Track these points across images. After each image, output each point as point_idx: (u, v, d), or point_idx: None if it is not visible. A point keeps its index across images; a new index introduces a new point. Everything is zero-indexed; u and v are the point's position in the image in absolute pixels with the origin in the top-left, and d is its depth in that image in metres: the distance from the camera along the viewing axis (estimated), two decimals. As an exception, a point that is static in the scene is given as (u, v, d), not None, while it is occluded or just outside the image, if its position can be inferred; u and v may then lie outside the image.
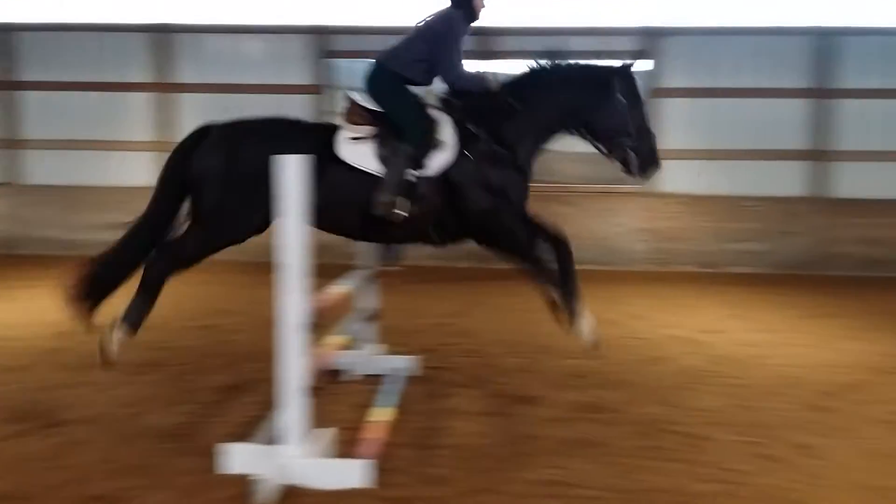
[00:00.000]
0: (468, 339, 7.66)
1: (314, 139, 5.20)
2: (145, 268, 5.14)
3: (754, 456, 4.69)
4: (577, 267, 5.25)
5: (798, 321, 8.82)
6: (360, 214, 5.16)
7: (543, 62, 5.46)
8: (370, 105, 5.32)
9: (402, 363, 6.30)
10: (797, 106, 13.01)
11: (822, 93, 12.88)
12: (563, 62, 5.50)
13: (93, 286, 5.18)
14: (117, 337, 5.07)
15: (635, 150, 5.35)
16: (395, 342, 6.70)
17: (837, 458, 4.68)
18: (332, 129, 5.30)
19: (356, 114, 5.31)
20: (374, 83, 5.37)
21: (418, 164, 5.12)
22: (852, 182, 12.90)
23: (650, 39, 13.00)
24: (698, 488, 4.21)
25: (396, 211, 5.07)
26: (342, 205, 5.13)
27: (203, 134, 5.26)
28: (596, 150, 5.54)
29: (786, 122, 13.04)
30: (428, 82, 5.46)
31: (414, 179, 5.09)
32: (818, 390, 6.07)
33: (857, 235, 12.76)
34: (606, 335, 7.72)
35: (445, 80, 5.37)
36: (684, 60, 13.10)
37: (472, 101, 5.36)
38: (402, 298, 8.95)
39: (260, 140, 5.12)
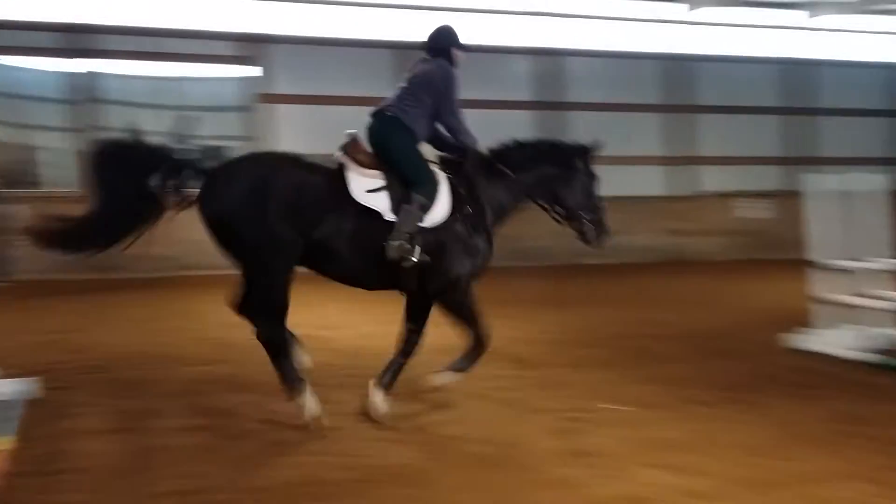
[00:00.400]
0: (88, 354, 7.24)
1: (329, 177, 5.31)
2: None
3: (379, 440, 5.07)
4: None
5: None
6: (367, 255, 5.29)
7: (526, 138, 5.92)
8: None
9: (17, 386, 5.79)
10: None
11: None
12: (542, 139, 6.08)
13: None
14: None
15: (592, 222, 5.82)
16: (8, 364, 6.14)
17: (451, 431, 5.24)
18: (338, 168, 5.38)
19: (361, 153, 5.42)
20: (385, 133, 5.48)
21: (425, 215, 5.32)
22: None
23: (253, 46, 13.19)
24: (332, 476, 4.47)
25: (411, 256, 5.23)
26: (353, 244, 5.27)
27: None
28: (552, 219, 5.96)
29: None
30: (427, 136, 5.63)
31: (422, 228, 5.29)
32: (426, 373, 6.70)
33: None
34: (233, 338, 7.78)
35: (454, 128, 5.59)
36: (290, 68, 13.50)
37: (464, 162, 5.59)
38: (13, 315, 8.21)
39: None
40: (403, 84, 5.64)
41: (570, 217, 5.89)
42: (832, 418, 5.54)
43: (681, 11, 15.35)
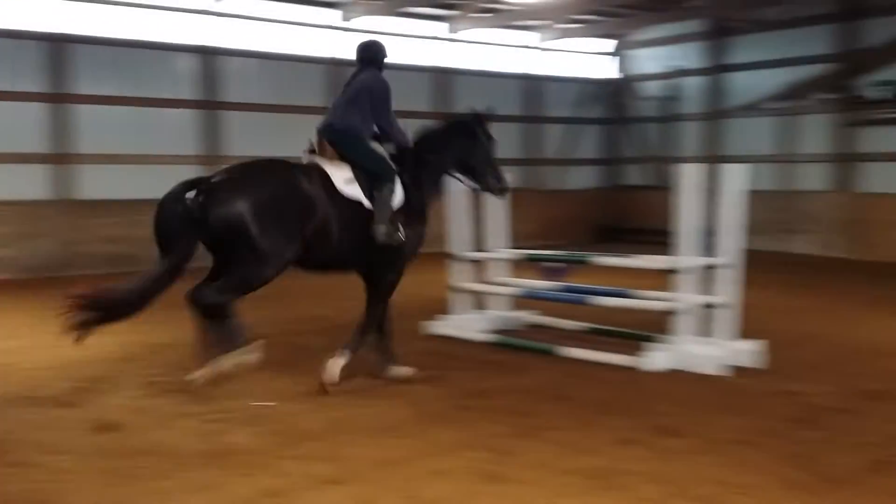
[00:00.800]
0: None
1: (317, 177, 6.14)
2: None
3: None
4: None
5: (46, 324, 8.90)
6: (354, 239, 6.19)
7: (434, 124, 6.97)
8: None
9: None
10: (34, 109, 13.00)
11: (59, 98, 13.09)
12: (442, 122, 7.04)
13: (104, 309, 5.75)
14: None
15: (496, 178, 6.84)
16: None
17: (80, 448, 4.95)
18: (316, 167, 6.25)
19: (327, 151, 6.37)
20: (344, 144, 6.35)
21: (393, 201, 6.30)
22: (93, 184, 13.45)
23: None
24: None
25: (398, 235, 6.23)
26: (344, 231, 6.13)
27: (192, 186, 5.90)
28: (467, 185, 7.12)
29: (21, 125, 12.90)
30: (370, 136, 6.48)
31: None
32: (68, 386, 6.30)
33: (100, 235, 13.35)
34: None
35: (387, 132, 6.49)
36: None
37: (401, 154, 6.53)
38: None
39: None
40: (345, 95, 6.49)
41: (478, 178, 6.87)
42: (458, 395, 6.07)
43: (336, 18, 15.80)
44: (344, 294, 10.93)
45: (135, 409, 5.76)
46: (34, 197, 12.99)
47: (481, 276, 8.61)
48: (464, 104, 16.88)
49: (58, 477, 4.51)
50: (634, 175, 19.90)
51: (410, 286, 11.79)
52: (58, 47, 13.01)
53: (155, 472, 4.56)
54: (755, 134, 17.33)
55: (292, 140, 14.93)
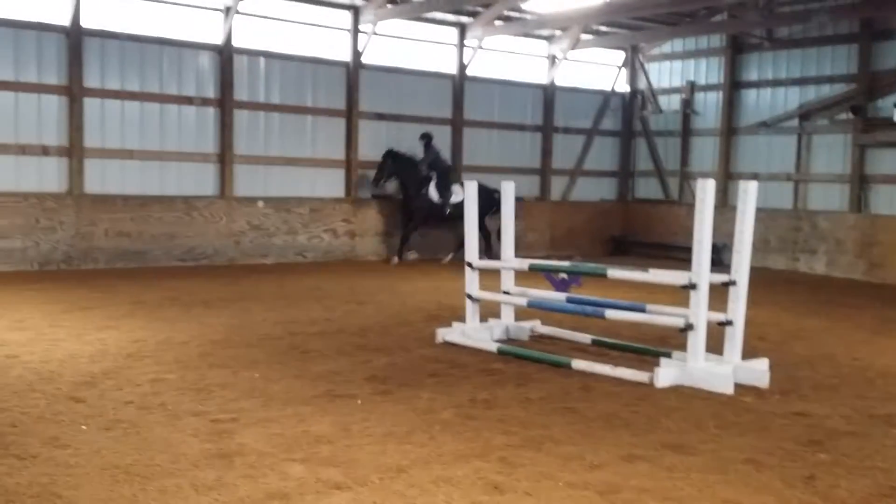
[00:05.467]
0: None
1: None
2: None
3: (4, 456, 4.68)
4: None
5: (57, 316, 8.96)
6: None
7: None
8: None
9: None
10: (53, 102, 13.07)
11: (75, 91, 13.15)
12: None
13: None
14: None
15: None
16: None
17: (87, 444, 4.97)
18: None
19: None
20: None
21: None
22: (106, 178, 13.52)
23: None
24: (-57, 502, 4.09)
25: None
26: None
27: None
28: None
29: (41, 117, 12.98)
30: None
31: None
32: (73, 381, 6.32)
33: (108, 229, 13.41)
34: None
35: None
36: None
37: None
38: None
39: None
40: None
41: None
42: (466, 404, 6.06)
43: (354, 21, 15.84)
44: (347, 298, 11.06)
45: (143, 406, 5.77)
46: (49, 189, 13.06)
47: (498, 285, 8.59)
48: (478, 112, 17.39)
49: (65, 471, 4.52)
50: (647, 188, 19.87)
51: (426, 293, 11.93)
52: (76, 41, 13.08)
53: (162, 470, 4.57)
54: (770, 152, 17.28)
55: (304, 141, 15.25)
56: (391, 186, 15.70)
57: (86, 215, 13.22)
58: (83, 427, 5.26)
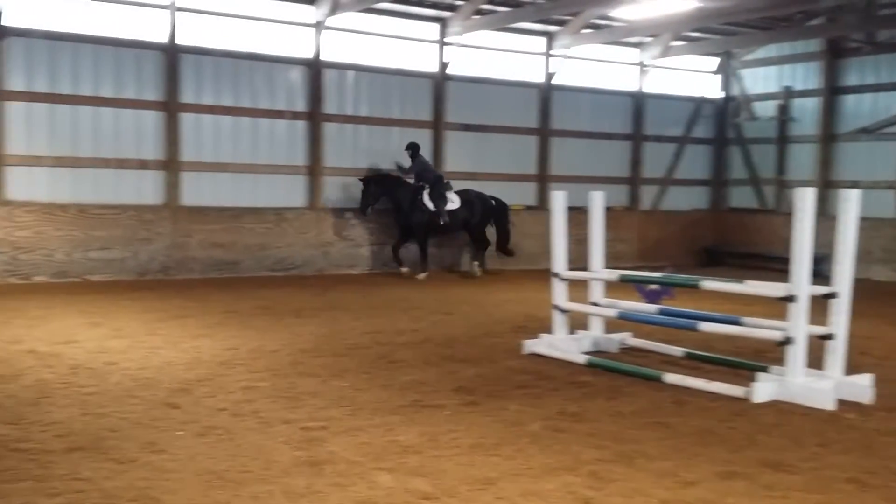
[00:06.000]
0: None
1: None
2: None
3: (104, 461, 4.82)
4: None
5: (154, 324, 9.23)
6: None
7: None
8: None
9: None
10: (151, 117, 13.53)
11: (169, 106, 13.59)
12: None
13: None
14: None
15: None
16: None
17: (183, 449, 5.08)
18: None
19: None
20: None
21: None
22: (200, 191, 13.92)
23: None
24: (47, 503, 4.22)
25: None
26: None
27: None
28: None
29: (139, 132, 13.45)
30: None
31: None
32: (169, 388, 6.49)
33: (202, 240, 13.79)
34: None
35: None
36: (27, 63, 12.58)
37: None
38: None
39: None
40: None
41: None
42: (554, 416, 5.96)
43: (439, 33, 15.93)
44: (433, 308, 11.09)
45: (235, 413, 5.87)
46: (146, 202, 13.51)
47: (585, 296, 8.46)
48: (565, 121, 17.25)
49: (161, 476, 4.63)
50: (742, 197, 19.34)
51: (512, 304, 11.88)
52: (173, 58, 13.51)
53: (255, 476, 4.63)
54: (871, 159, 16.62)
55: (391, 153, 15.36)
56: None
57: (181, 226, 13.63)
58: (179, 433, 5.37)
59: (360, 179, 14.63)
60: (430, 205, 14.53)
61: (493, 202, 15.32)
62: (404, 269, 14.57)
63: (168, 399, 6.18)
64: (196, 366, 7.29)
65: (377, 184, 14.54)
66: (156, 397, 6.23)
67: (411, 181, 14.69)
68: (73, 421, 5.57)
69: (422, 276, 14.41)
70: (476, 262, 15.27)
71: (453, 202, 14.71)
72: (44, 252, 12.62)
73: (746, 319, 7.28)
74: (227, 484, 4.51)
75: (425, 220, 14.54)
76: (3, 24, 12.25)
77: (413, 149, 14.72)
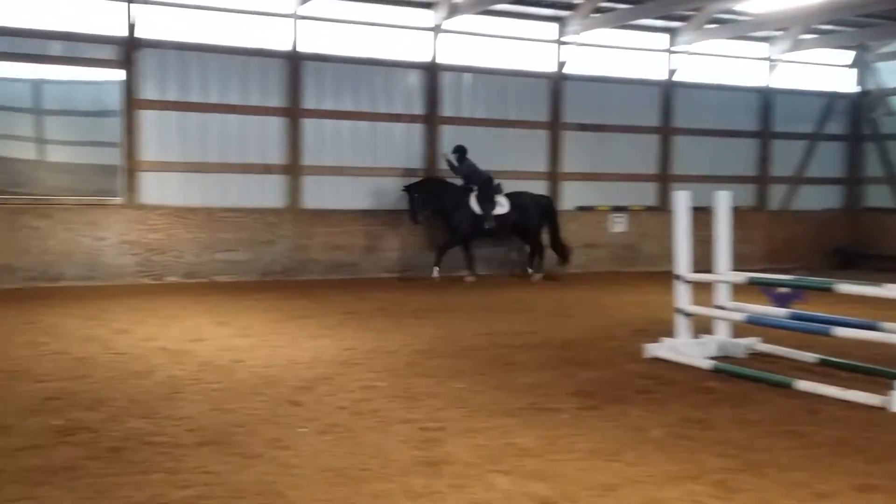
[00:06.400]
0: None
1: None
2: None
3: (231, 455, 4.96)
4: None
5: (277, 324, 9.49)
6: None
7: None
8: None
9: None
10: (274, 123, 13.94)
11: (292, 112, 13.96)
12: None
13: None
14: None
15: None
16: None
17: (306, 446, 5.18)
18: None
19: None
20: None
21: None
22: (320, 194, 14.23)
23: (125, 50, 12.82)
24: (178, 495, 4.35)
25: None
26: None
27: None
28: None
29: (264, 138, 13.88)
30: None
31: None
32: (292, 386, 6.63)
33: (323, 243, 14.11)
34: (88, 353, 7.55)
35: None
36: (159, 73, 13.17)
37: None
38: None
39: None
40: None
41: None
42: (678, 423, 5.77)
43: (557, 32, 15.78)
44: (549, 310, 10.97)
45: (355, 412, 5.94)
46: (269, 205, 13.92)
47: (710, 299, 8.17)
48: (688, 119, 16.74)
49: (286, 471, 4.72)
50: (878, 196, 18.34)
51: (632, 306, 11.64)
52: (295, 65, 13.88)
53: (374, 474, 4.67)
54: None
55: (508, 154, 15.31)
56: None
57: (303, 229, 13.99)
58: (302, 430, 5.48)
59: (403, 189, 14.17)
60: (476, 208, 14.10)
61: (543, 200, 14.98)
62: (469, 278, 14.15)
63: (291, 396, 6.32)
64: (317, 365, 7.43)
65: (420, 190, 14.09)
66: (279, 394, 6.38)
67: (460, 183, 14.32)
68: (203, 416, 5.77)
69: (436, 274, 13.82)
70: (530, 269, 14.66)
71: (502, 206, 14.25)
72: (175, 254, 13.19)
73: (884, 324, 6.86)
74: (347, 481, 4.56)
75: (467, 221, 14.06)
76: (136, 36, 12.87)
77: (460, 151, 14.28)
